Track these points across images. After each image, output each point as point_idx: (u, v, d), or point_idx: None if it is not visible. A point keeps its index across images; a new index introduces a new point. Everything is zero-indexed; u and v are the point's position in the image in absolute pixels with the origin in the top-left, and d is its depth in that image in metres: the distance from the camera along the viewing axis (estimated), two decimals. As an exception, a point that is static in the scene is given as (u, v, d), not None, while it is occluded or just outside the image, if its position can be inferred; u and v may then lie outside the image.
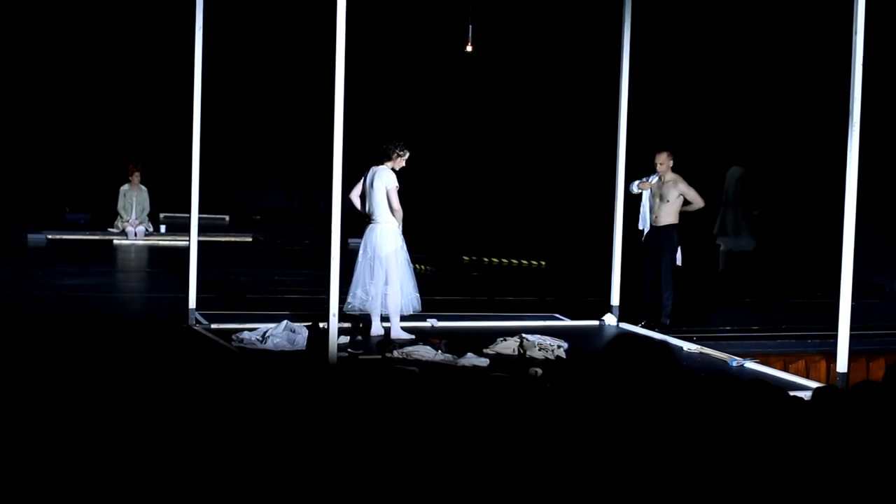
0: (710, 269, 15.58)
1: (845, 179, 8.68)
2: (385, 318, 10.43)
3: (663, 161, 11.68)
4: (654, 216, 11.74)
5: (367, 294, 10.33)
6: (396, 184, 10.32)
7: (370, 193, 10.37)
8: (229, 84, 20.59)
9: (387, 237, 10.32)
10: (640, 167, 11.97)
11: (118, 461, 5.45)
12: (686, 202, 11.75)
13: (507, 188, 21.80)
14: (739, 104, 17.49)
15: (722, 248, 15.85)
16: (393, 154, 10.39)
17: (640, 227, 11.91)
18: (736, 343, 10.96)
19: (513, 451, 3.50)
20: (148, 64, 21.43)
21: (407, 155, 10.44)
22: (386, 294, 10.32)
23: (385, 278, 10.30)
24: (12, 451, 5.73)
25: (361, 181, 10.50)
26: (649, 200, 11.82)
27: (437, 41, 20.77)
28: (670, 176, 11.66)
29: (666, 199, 11.63)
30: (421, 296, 10.55)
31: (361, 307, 10.40)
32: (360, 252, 10.44)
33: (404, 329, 10.39)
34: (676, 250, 11.70)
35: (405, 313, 10.41)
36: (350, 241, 13.18)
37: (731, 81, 17.55)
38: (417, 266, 10.85)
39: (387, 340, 10.17)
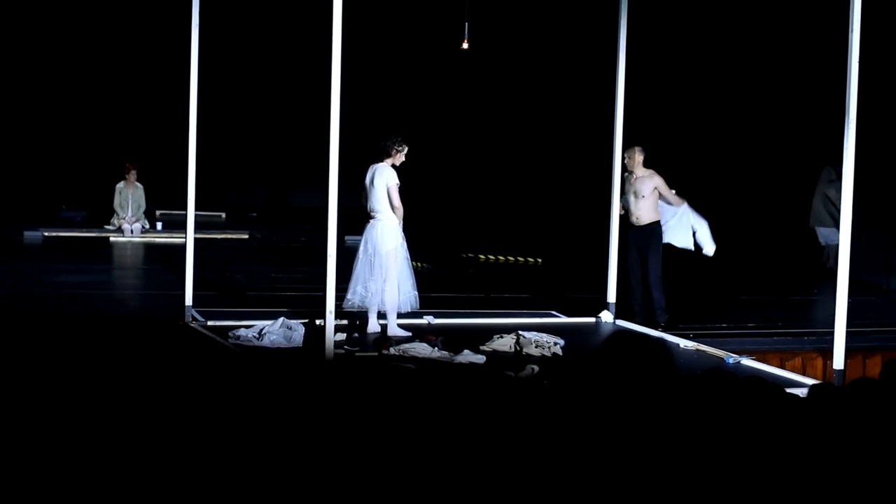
0: (815, 262, 16.05)
1: (842, 177, 8.67)
2: (382, 315, 10.43)
3: (632, 156, 11.61)
4: (633, 216, 11.63)
5: (367, 291, 10.32)
6: (397, 181, 10.32)
7: (371, 191, 10.36)
8: (226, 81, 20.57)
9: (387, 234, 10.32)
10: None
11: (115, 459, 5.45)
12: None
13: (503, 185, 21.80)
14: (736, 101, 17.49)
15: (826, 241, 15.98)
16: (392, 150, 10.39)
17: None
18: (732, 340, 10.96)
19: (509, 449, 3.51)
20: (144, 62, 21.41)
21: (406, 149, 10.45)
22: (384, 291, 10.32)
23: (384, 275, 10.30)
24: (10, 450, 5.73)
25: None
26: (624, 199, 11.71)
27: (434, 39, 20.77)
28: (642, 171, 11.58)
29: (641, 194, 11.52)
30: (418, 293, 10.55)
31: (361, 304, 10.39)
32: (361, 249, 10.43)
33: (401, 326, 10.40)
34: (661, 248, 11.66)
35: (403, 311, 10.41)
36: (347, 238, 13.18)
37: (727, 79, 17.54)
38: (415, 263, 10.85)
39: (383, 337, 10.17)
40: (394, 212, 10.31)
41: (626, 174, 11.69)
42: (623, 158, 11.62)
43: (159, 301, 12.16)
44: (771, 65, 16.90)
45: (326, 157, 8.48)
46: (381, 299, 10.34)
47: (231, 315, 10.82)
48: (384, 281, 10.29)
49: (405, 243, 10.44)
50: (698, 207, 11.98)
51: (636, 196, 11.54)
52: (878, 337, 11.49)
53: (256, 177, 23.53)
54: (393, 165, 10.39)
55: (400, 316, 10.42)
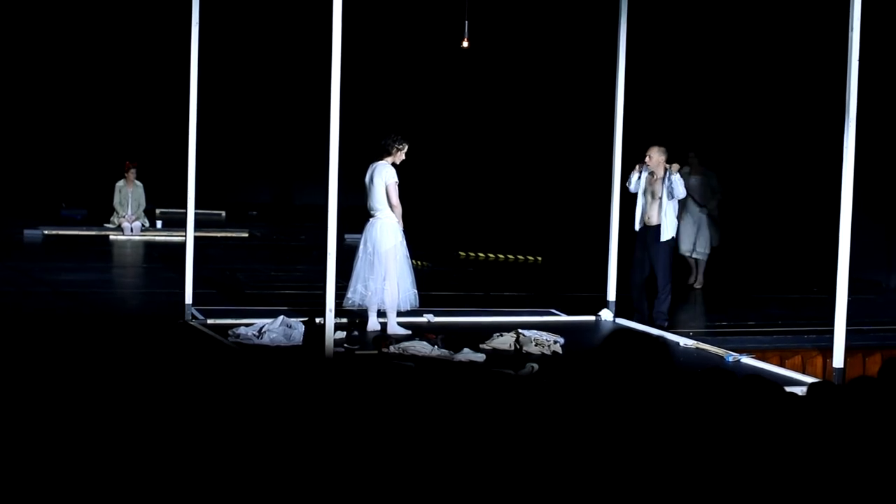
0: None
1: (841, 174, 8.67)
2: (382, 314, 10.43)
3: (653, 156, 11.57)
4: (645, 215, 11.62)
5: (367, 289, 10.32)
6: (396, 179, 10.32)
7: (370, 189, 10.37)
8: (225, 80, 20.56)
9: (387, 232, 10.32)
10: (635, 163, 11.96)
11: (115, 457, 5.45)
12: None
13: (503, 183, 21.80)
14: (736, 99, 17.49)
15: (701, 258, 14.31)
16: (392, 149, 10.40)
17: (636, 229, 11.78)
18: (732, 338, 10.96)
19: (509, 447, 3.51)
20: (144, 60, 21.41)
21: (406, 148, 10.46)
22: (384, 289, 10.31)
23: (384, 273, 10.30)
24: (9, 448, 5.73)
25: None
26: (642, 198, 11.71)
27: (434, 37, 20.77)
28: (662, 173, 11.55)
29: (657, 196, 11.50)
30: (417, 291, 10.55)
31: (361, 302, 10.39)
32: (361, 247, 10.43)
33: (401, 325, 10.40)
34: (670, 252, 11.65)
35: (402, 309, 10.41)
36: (346, 236, 13.17)
37: (728, 76, 17.54)
38: (414, 261, 10.85)
39: (383, 335, 10.17)
40: (392, 210, 10.32)
41: (645, 173, 11.60)
42: (645, 158, 11.60)
43: (159, 299, 12.16)
44: (771, 64, 16.90)
45: (327, 156, 8.48)
46: (381, 298, 10.34)
47: (231, 313, 10.82)
48: (384, 279, 10.29)
49: (405, 241, 10.45)
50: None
51: (652, 197, 11.52)
52: (878, 335, 11.50)
53: (256, 175, 23.52)
54: (393, 164, 10.40)
55: (399, 314, 10.43)
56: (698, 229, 14.06)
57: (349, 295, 10.33)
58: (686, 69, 18.10)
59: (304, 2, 16.71)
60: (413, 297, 10.46)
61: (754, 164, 17.09)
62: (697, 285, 14.10)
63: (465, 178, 22.22)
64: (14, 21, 21.24)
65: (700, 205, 14.08)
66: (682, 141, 17.07)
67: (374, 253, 10.32)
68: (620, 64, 11.53)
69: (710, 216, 14.14)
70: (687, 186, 12.96)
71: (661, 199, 11.49)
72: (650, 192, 11.56)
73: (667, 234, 11.52)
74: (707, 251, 14.12)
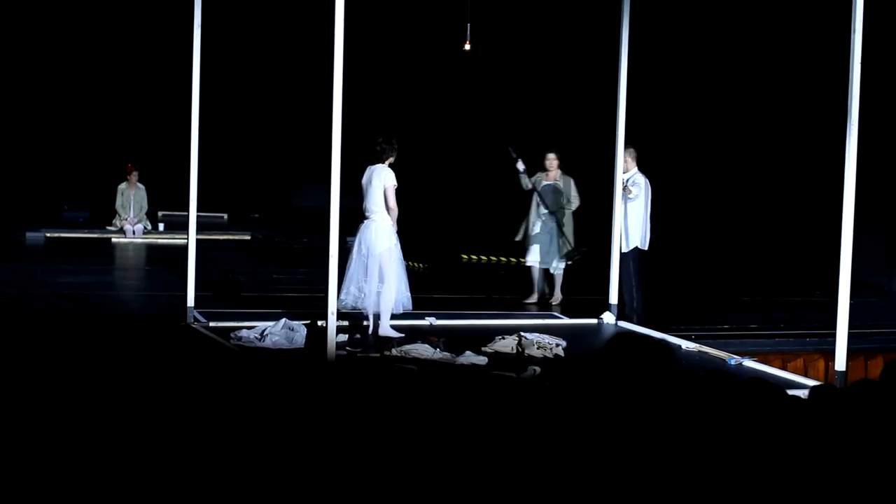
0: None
1: (843, 177, 8.67)
2: (376, 316, 10.39)
3: (625, 158, 11.70)
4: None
5: (360, 291, 10.31)
6: (395, 182, 10.33)
7: (368, 191, 10.37)
8: (227, 82, 20.58)
9: (381, 235, 10.31)
10: (639, 164, 11.99)
11: (117, 459, 5.45)
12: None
13: (505, 185, 21.78)
14: (738, 101, 17.49)
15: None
16: (392, 151, 10.43)
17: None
18: (734, 341, 10.96)
19: (511, 450, 3.51)
20: (146, 62, 21.42)
21: (396, 146, 10.50)
22: (380, 292, 10.29)
23: (379, 276, 10.28)
24: (11, 450, 5.73)
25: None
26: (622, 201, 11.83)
27: (436, 40, 20.77)
28: (633, 173, 11.72)
29: (628, 196, 11.68)
30: (418, 294, 10.55)
31: (355, 304, 10.36)
32: (355, 249, 10.42)
33: (397, 328, 10.36)
34: (637, 252, 11.80)
35: (396, 312, 10.38)
36: (348, 239, 13.16)
37: (729, 79, 17.54)
38: (411, 264, 10.83)
39: (385, 338, 10.16)
40: (388, 213, 10.32)
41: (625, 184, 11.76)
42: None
43: (161, 302, 12.16)
44: (772, 64, 16.89)
45: (328, 158, 8.47)
46: (377, 300, 10.31)
47: (233, 316, 10.82)
48: (379, 282, 10.28)
49: (398, 244, 10.44)
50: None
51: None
52: (880, 338, 11.50)
53: (258, 178, 23.52)
54: (390, 165, 10.43)
55: (394, 317, 10.40)
56: (551, 239, 12.84)
57: (342, 297, 10.28)
58: (688, 72, 18.10)
59: (306, 5, 16.70)
60: (406, 299, 10.44)
61: (755, 167, 17.08)
62: (554, 301, 12.80)
63: (467, 180, 22.21)
64: (16, 23, 21.26)
65: (550, 212, 12.90)
66: (682, 143, 17.10)
67: (367, 255, 10.30)
68: (622, 66, 11.53)
69: (558, 225, 12.81)
70: (539, 192, 12.87)
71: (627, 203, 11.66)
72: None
73: (626, 243, 11.72)
74: (562, 265, 12.84)
